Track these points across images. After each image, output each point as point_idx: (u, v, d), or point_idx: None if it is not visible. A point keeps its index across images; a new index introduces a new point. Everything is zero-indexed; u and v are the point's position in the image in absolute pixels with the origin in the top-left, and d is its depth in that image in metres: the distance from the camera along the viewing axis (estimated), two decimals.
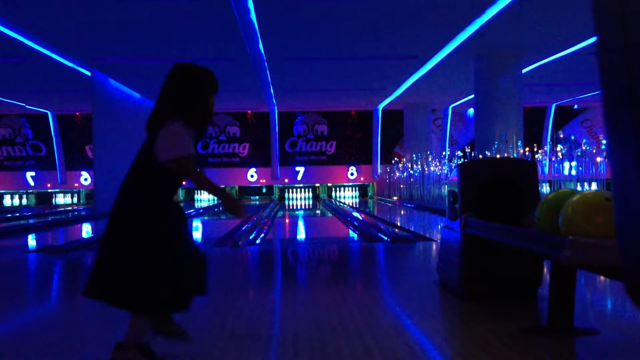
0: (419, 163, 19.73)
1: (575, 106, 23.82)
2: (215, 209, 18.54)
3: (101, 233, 2.82)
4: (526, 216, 3.62)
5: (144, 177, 2.68)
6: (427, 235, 8.52)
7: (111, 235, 2.65)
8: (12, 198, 24.20)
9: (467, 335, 3.26)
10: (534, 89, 17.86)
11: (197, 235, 11.01)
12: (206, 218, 15.04)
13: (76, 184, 23.91)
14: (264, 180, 24.04)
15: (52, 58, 13.50)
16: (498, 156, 12.97)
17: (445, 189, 18.57)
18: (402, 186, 21.10)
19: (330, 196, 24.32)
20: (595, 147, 17.68)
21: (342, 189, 24.74)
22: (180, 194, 24.76)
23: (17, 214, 16.57)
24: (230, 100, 21.00)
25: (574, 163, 16.76)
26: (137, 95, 18.93)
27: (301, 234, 9.93)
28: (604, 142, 15.43)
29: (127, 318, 2.71)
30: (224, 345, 3.06)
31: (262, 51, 13.15)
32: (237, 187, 24.64)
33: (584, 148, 16.24)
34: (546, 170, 18.32)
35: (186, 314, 2.93)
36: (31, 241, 9.46)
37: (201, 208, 18.26)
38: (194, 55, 13.65)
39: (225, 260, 6.63)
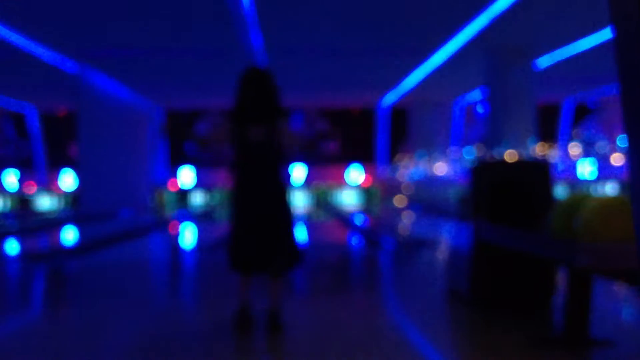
0: (426, 163, 19.73)
1: (593, 102, 23.83)
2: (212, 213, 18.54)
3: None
4: (540, 220, 3.63)
5: (279, 162, 3.62)
6: (435, 240, 8.53)
7: (274, 214, 3.55)
8: None
9: (477, 344, 3.27)
10: (548, 84, 17.87)
11: (189, 238, 11.02)
12: (202, 221, 15.04)
13: (59, 186, 23.90)
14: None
15: (35, 53, 13.50)
16: (509, 154, 12.98)
17: (453, 190, 18.56)
18: (407, 187, 21.09)
19: (330, 198, 24.30)
20: (612, 146, 17.69)
21: (343, 190, 24.72)
22: (171, 195, 24.73)
23: None
24: (224, 97, 20.99)
25: (590, 163, 16.78)
26: (125, 92, 18.95)
27: (301, 237, 9.94)
28: (621, 141, 15.44)
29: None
30: (223, 348, 3.07)
31: (260, 45, 13.17)
32: None
33: (600, 147, 16.27)
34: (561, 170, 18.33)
35: (187, 317, 2.92)
36: (12, 246, 9.46)
37: (193, 210, 18.28)
38: (189, 51, 13.67)
39: (218, 264, 6.64)
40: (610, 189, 16.35)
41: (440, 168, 18.99)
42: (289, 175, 3.83)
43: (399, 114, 23.15)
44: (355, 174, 24.50)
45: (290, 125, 3.77)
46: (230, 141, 3.65)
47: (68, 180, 23.71)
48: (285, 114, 3.71)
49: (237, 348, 3.20)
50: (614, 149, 16.68)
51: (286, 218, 3.61)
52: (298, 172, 23.52)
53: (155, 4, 10.47)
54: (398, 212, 17.29)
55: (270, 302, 3.54)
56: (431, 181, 19.33)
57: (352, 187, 24.79)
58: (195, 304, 4.84)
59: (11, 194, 24.10)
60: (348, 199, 24.47)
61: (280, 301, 3.57)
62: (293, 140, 3.71)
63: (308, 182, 24.19)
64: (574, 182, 17.65)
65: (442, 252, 7.23)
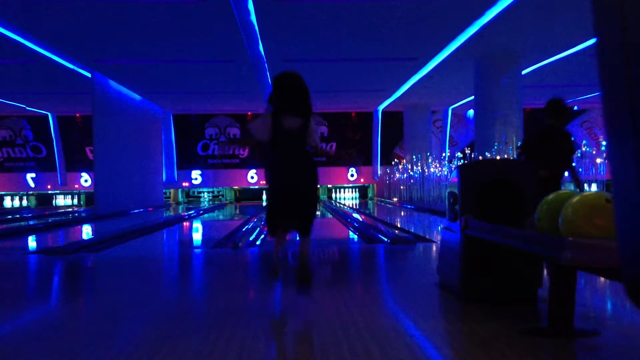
0: (419, 164, 19.73)
1: (575, 107, 23.83)
2: (216, 210, 18.54)
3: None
4: (526, 217, 3.62)
5: (308, 152, 4.25)
6: (427, 237, 8.52)
7: (305, 193, 4.22)
8: (12, 199, 24.21)
9: (467, 336, 3.25)
10: (533, 90, 17.86)
11: (197, 236, 11.01)
12: (206, 219, 15.04)
13: (76, 186, 23.92)
14: (264, 182, 24.04)
15: (53, 60, 13.50)
16: (498, 157, 12.97)
17: (445, 191, 18.54)
18: (402, 187, 21.10)
19: (330, 197, 24.31)
20: (595, 148, 17.67)
21: (342, 190, 24.74)
22: (181, 195, 24.76)
23: (18, 216, 16.57)
24: (230, 102, 21.01)
25: (573, 164, 16.73)
26: (137, 96, 18.94)
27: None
28: (603, 143, 15.43)
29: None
30: (224, 345, 3.05)
31: (262, 52, 13.15)
32: (237, 189, 24.68)
33: (583, 149, 16.25)
34: None
35: (187, 316, 2.89)
36: (32, 242, 9.47)
37: (202, 209, 18.27)
38: (195, 57, 13.67)
39: (225, 262, 6.63)
40: (593, 189, 16.32)
41: (433, 169, 18.98)
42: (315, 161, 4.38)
43: (395, 117, 23.14)
44: (353, 174, 24.49)
45: (315, 123, 4.36)
46: (269, 132, 4.18)
47: (85, 180, 23.72)
48: (312, 112, 4.31)
49: (241, 344, 3.18)
50: (597, 151, 16.66)
51: (312, 193, 4.30)
52: None
53: (164, 18, 10.46)
54: (393, 209, 17.28)
55: (300, 257, 4.34)
56: (424, 181, 19.31)
57: (350, 186, 24.79)
58: (204, 297, 4.82)
59: (32, 193, 24.15)
60: (346, 197, 24.49)
61: (308, 256, 4.36)
62: (315, 135, 4.29)
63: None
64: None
65: (434, 248, 7.22)
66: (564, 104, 5.90)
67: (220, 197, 24.96)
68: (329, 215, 14.89)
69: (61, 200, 24.30)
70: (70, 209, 20.83)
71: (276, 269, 4.49)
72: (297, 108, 4.21)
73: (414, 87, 17.72)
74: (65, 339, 3.35)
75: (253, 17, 10.63)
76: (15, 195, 24.21)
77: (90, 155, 22.33)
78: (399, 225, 11.52)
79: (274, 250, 4.54)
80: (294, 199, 4.21)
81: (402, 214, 15.44)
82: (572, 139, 6.18)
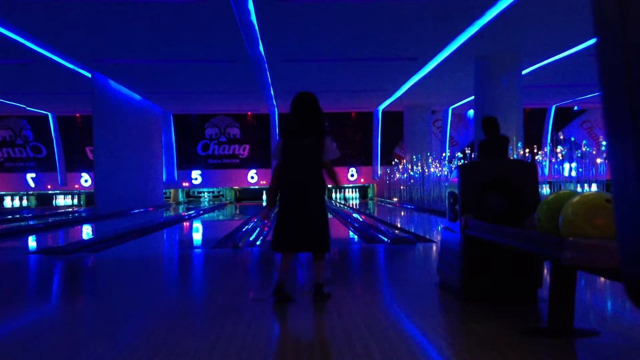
0: (419, 164, 19.72)
1: (575, 107, 23.82)
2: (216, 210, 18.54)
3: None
4: (526, 218, 3.62)
5: (319, 170, 4.27)
6: (427, 237, 8.51)
7: (313, 211, 4.17)
8: (12, 200, 24.20)
9: (467, 336, 3.25)
10: (533, 90, 17.86)
11: (197, 236, 11.01)
12: (206, 219, 15.04)
13: (76, 186, 23.92)
14: (264, 182, 24.05)
15: (53, 60, 13.50)
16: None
17: (445, 191, 18.51)
18: (402, 187, 21.09)
19: (330, 197, 24.30)
20: (595, 148, 17.67)
21: (342, 190, 24.72)
22: (181, 195, 24.75)
23: (18, 216, 16.57)
24: (230, 102, 21.00)
25: (574, 164, 16.77)
26: (137, 96, 18.94)
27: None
28: (604, 143, 15.42)
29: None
30: (224, 346, 3.05)
31: (262, 53, 13.15)
32: (237, 189, 24.67)
33: (584, 149, 16.25)
34: (546, 171, 18.31)
35: (187, 316, 2.89)
36: (32, 242, 9.46)
37: (202, 209, 18.27)
38: (195, 57, 13.66)
39: (225, 262, 6.63)
40: (593, 189, 16.33)
41: (433, 169, 18.97)
42: (325, 180, 4.37)
43: (395, 117, 23.13)
44: (353, 174, 24.49)
45: (329, 142, 4.45)
46: (282, 152, 4.24)
47: (85, 180, 23.71)
48: (326, 132, 4.41)
49: (241, 344, 3.18)
50: (597, 151, 16.66)
51: (322, 214, 4.23)
52: None
53: (164, 18, 10.45)
54: (393, 209, 17.27)
55: (315, 277, 4.25)
56: (424, 181, 19.31)
57: (350, 186, 24.78)
58: (204, 297, 4.83)
59: (32, 193, 24.14)
60: (346, 197, 24.48)
61: (322, 276, 4.24)
62: (330, 152, 4.37)
63: None
64: (559, 182, 17.63)
65: (434, 248, 7.22)
66: (489, 118, 8.27)
67: (220, 197, 24.96)
68: (329, 216, 14.89)
69: (61, 200, 24.29)
70: (70, 209, 20.83)
71: (283, 288, 4.10)
72: (311, 125, 4.26)
73: (414, 87, 17.71)
74: (65, 338, 3.34)
75: (253, 17, 10.62)
76: (15, 195, 24.20)
77: (90, 155, 22.31)
78: (399, 225, 11.51)
79: (280, 268, 4.21)
80: (303, 219, 4.14)
81: (402, 214, 15.43)
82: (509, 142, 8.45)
